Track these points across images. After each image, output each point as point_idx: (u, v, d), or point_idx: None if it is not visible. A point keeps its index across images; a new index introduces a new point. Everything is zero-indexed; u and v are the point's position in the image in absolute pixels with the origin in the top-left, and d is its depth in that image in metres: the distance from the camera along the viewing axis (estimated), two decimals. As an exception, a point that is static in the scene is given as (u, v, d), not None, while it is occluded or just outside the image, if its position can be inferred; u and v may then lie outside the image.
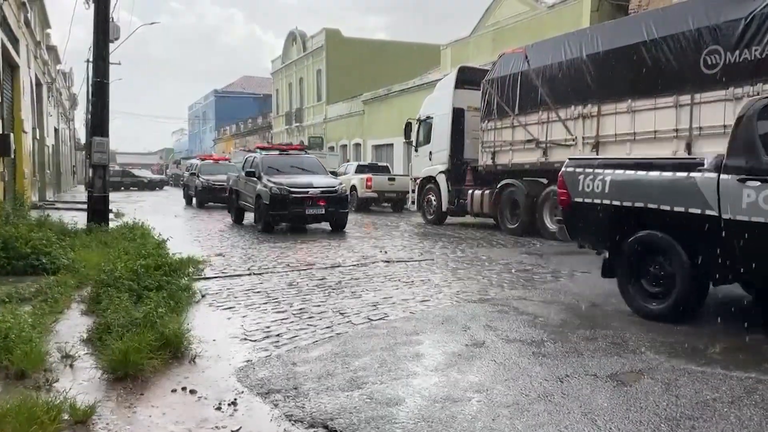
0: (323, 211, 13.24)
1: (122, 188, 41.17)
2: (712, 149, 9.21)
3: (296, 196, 13.00)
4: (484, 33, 24.01)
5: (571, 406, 3.48)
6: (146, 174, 48.82)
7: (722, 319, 5.38)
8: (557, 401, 3.55)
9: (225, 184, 20.12)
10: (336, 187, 13.64)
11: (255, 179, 13.97)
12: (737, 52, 8.79)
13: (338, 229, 13.84)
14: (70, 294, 6.10)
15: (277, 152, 16.01)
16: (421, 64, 32.45)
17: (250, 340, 4.90)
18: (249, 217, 15.54)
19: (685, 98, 9.53)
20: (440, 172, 15.53)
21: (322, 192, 13.27)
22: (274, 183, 13.17)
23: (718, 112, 9.10)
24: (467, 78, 15.34)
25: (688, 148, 9.50)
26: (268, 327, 5.30)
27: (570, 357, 4.38)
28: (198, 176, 23.39)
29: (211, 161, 26.39)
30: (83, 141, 44.43)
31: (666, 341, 4.76)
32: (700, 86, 9.33)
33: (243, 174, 15.12)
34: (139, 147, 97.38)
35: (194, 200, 24.10)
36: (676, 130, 9.70)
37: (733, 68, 8.87)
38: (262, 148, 15.99)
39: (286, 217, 13.33)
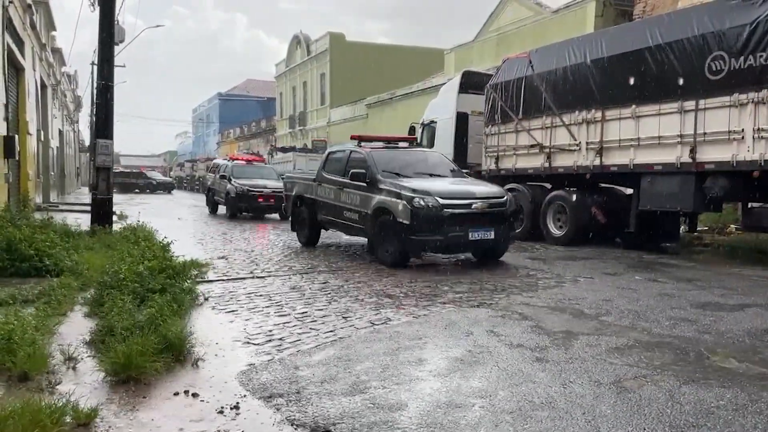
0: (493, 235, 8.85)
1: (136, 190, 41.12)
2: (716, 155, 9.24)
3: (454, 212, 8.62)
4: (488, 38, 24.04)
5: (574, 412, 3.46)
6: (158, 176, 48.26)
7: None
8: (560, 407, 3.54)
9: (265, 190, 18.26)
10: (505, 198, 9.31)
11: (362, 184, 9.56)
12: (742, 58, 8.79)
13: (495, 258, 9.61)
14: (74, 296, 6.10)
15: (381, 145, 10.97)
16: (425, 69, 32.51)
17: (253, 344, 4.89)
18: (326, 238, 12.16)
19: (690, 104, 9.53)
20: (444, 176, 15.46)
21: (491, 206, 8.93)
22: (415, 192, 8.68)
23: (723, 118, 9.09)
24: (471, 82, 15.34)
25: (692, 153, 9.50)
26: (271, 330, 5.30)
27: (573, 363, 4.36)
28: (230, 180, 19.37)
29: (243, 162, 22.08)
30: (87, 143, 44.67)
31: (670, 349, 4.75)
32: (704, 92, 9.32)
33: (327, 176, 10.75)
34: (143, 149, 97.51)
35: (221, 208, 20.74)
36: (681, 136, 9.69)
37: (738, 74, 8.87)
38: (361, 139, 10.88)
39: (437, 244, 8.79)
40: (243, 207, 19.10)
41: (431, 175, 9.90)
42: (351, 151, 10.51)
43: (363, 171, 9.60)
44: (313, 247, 11.31)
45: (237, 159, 23.08)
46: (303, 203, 11.51)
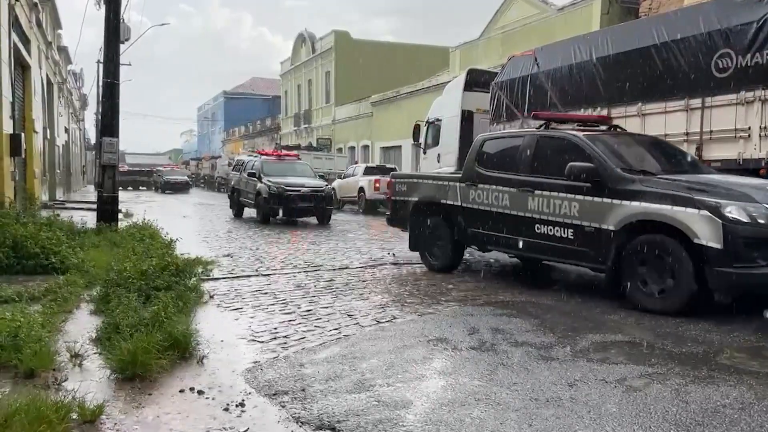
0: None
1: (154, 188, 40.22)
2: (722, 153, 9.19)
3: None
4: (493, 36, 23.98)
5: (580, 411, 3.45)
6: (177, 174, 44.42)
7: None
8: (566, 406, 3.53)
9: (303, 189, 16.14)
10: None
11: (583, 186, 6.51)
12: (749, 56, 8.73)
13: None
14: (79, 293, 6.12)
15: (581, 127, 8.01)
16: (430, 67, 32.45)
17: (258, 341, 4.90)
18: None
19: (696, 102, 9.47)
20: (449, 175, 15.36)
21: None
22: (722, 197, 5.63)
23: (729, 115, 9.04)
24: (476, 80, 15.31)
25: (699, 152, 9.45)
26: (276, 328, 5.30)
27: (579, 361, 4.35)
28: (260, 179, 16.80)
29: (274, 157, 19.12)
30: (93, 141, 44.68)
31: (676, 347, 4.73)
32: (711, 90, 9.27)
33: (489, 173, 7.81)
34: (148, 148, 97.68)
35: (248, 211, 18.40)
36: (687, 134, 9.64)
37: (745, 72, 8.81)
38: (551, 120, 7.95)
39: None
40: (277, 209, 16.44)
41: (680, 170, 7.01)
42: (539, 137, 7.47)
43: (590, 166, 6.48)
44: (449, 273, 8.30)
45: (266, 154, 20.23)
46: (435, 212, 8.53)
